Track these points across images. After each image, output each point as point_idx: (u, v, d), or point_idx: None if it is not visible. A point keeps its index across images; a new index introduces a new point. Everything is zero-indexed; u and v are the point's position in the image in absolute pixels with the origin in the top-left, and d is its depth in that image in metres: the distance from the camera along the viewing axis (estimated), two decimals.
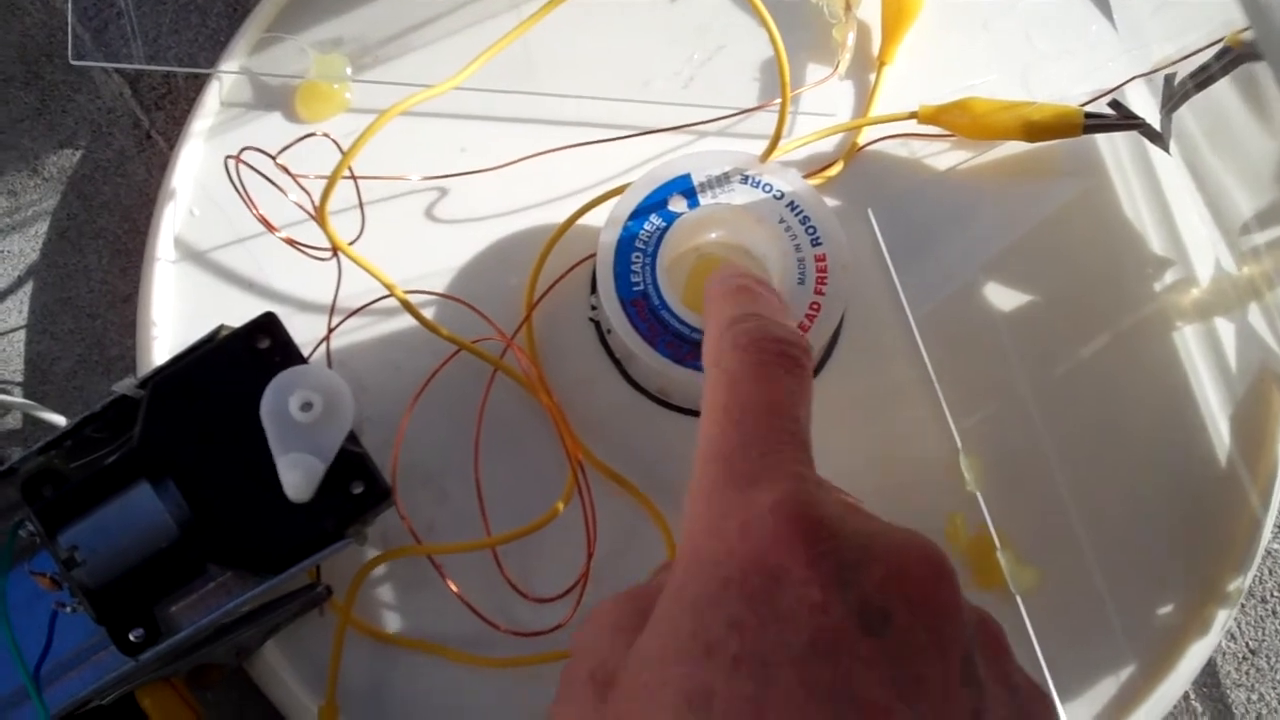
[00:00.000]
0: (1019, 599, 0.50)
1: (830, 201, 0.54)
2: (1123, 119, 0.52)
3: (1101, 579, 0.51)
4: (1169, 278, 0.54)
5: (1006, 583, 0.50)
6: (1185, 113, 0.51)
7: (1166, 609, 0.51)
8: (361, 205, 0.50)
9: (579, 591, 0.50)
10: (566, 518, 0.50)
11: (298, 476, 0.43)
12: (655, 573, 0.39)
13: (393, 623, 0.50)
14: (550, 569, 0.50)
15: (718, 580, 0.30)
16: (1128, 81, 0.53)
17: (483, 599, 0.50)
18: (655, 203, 0.50)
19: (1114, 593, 0.51)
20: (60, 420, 0.53)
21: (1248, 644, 0.54)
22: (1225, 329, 0.54)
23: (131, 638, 0.42)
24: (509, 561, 0.50)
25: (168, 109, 0.58)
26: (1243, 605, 0.54)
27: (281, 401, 0.43)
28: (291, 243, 0.49)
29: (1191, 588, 0.52)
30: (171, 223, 0.54)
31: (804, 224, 0.50)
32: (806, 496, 0.31)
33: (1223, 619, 0.51)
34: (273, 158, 0.48)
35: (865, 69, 0.57)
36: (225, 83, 0.56)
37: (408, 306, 0.51)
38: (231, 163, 0.49)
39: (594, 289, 0.52)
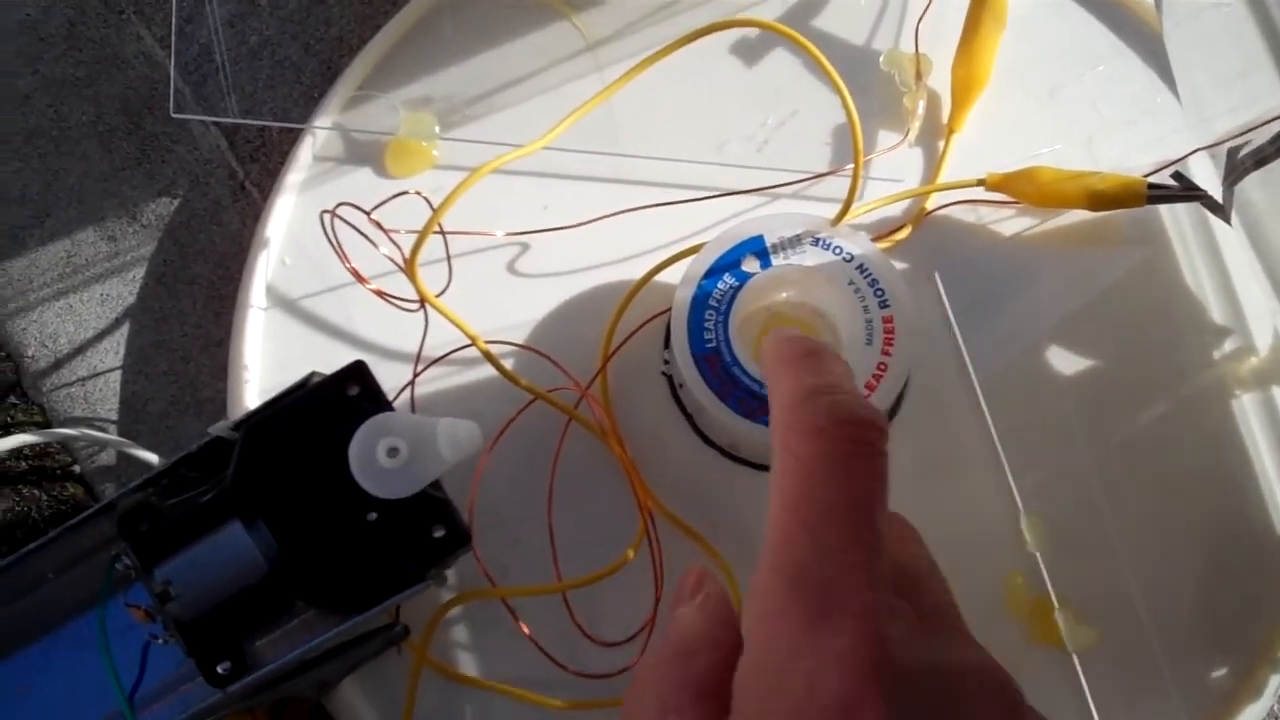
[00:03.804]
0: (1075, 658, 0.51)
1: (898, 264, 0.56)
2: (1185, 190, 0.53)
3: (1157, 640, 0.52)
4: (1228, 346, 0.55)
5: (1064, 642, 0.51)
6: (1247, 184, 0.51)
7: (1220, 672, 0.52)
8: (449, 259, 0.52)
9: (646, 637, 0.51)
10: (635, 565, 0.51)
11: (461, 431, 0.45)
12: (679, 599, 0.37)
13: (466, 662, 0.52)
14: (618, 614, 0.52)
15: None
16: (1191, 154, 0.54)
17: (552, 641, 0.51)
18: (729, 262, 0.51)
19: (1169, 654, 0.52)
20: (153, 458, 0.55)
21: None
22: None
23: (220, 670, 0.44)
24: (579, 606, 0.52)
25: (262, 161, 0.60)
26: None
27: (370, 447, 0.45)
28: (381, 294, 0.51)
29: (1245, 652, 0.52)
30: (264, 271, 0.56)
31: (872, 286, 0.51)
32: (878, 640, 0.29)
33: (1275, 683, 0.52)
34: (367, 214, 0.50)
35: (934, 136, 0.58)
36: (318, 137, 0.58)
37: (488, 356, 0.52)
38: (326, 216, 0.51)
39: (667, 344, 0.53)
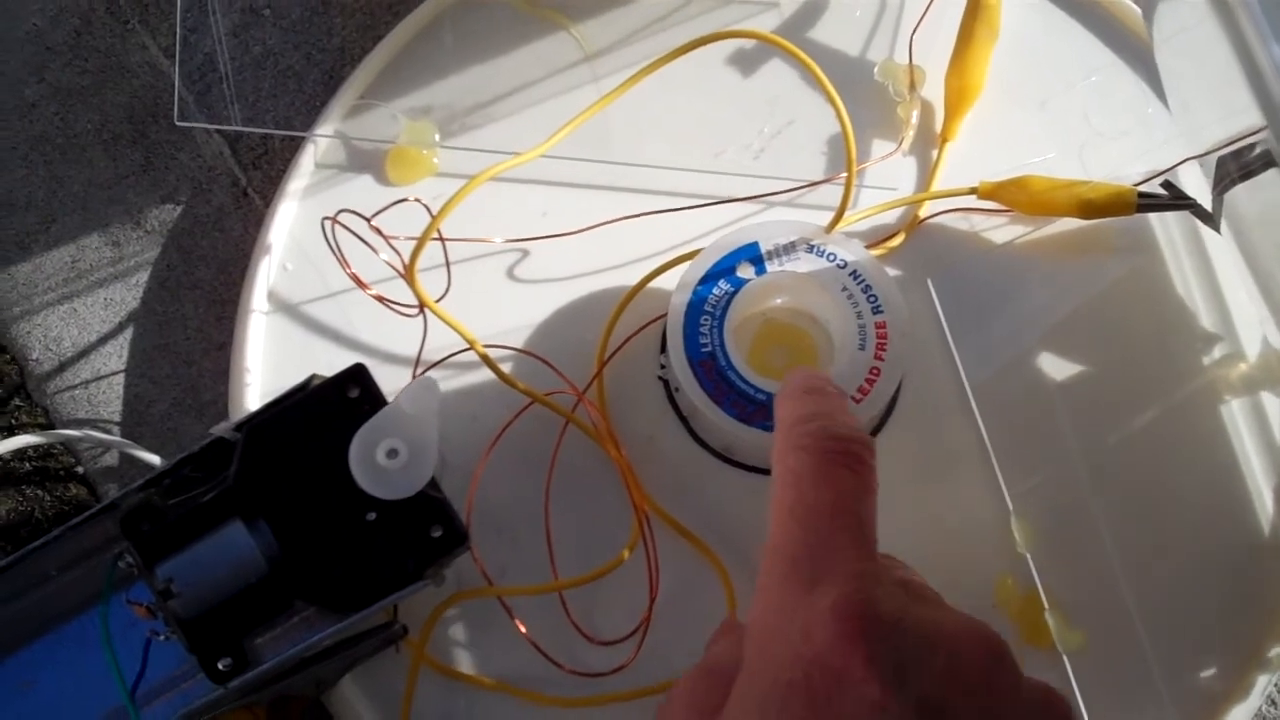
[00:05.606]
0: (1066, 659, 0.51)
1: (891, 271, 0.56)
2: (1175, 199, 0.54)
3: (1147, 642, 0.52)
4: (1217, 352, 0.56)
5: (1054, 643, 0.51)
6: (1236, 193, 0.52)
7: (1209, 673, 0.52)
8: (448, 265, 0.52)
9: (640, 635, 0.52)
10: (630, 565, 0.52)
11: (416, 391, 0.46)
12: (714, 640, 0.41)
13: (463, 661, 0.52)
14: (614, 614, 0.52)
15: (783, 683, 0.32)
16: (1181, 163, 0.54)
17: (549, 640, 0.52)
18: (724, 268, 0.52)
19: (1158, 655, 0.52)
20: (155, 460, 0.55)
21: None
22: (1271, 403, 0.55)
23: (220, 666, 0.44)
24: (575, 605, 0.52)
25: (265, 169, 0.61)
26: None
27: (369, 448, 0.45)
28: (381, 299, 0.52)
29: (1234, 653, 0.53)
30: (265, 276, 0.57)
31: (866, 292, 0.52)
32: (865, 595, 0.32)
33: (1263, 684, 0.52)
34: (367, 220, 0.51)
35: (928, 145, 0.59)
36: (320, 145, 0.59)
37: (487, 360, 0.53)
38: (327, 223, 0.51)
39: (663, 348, 0.54)
